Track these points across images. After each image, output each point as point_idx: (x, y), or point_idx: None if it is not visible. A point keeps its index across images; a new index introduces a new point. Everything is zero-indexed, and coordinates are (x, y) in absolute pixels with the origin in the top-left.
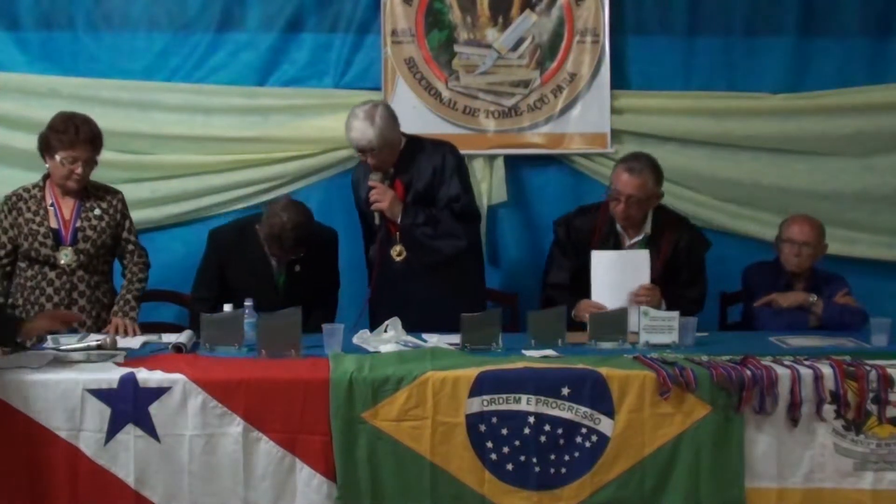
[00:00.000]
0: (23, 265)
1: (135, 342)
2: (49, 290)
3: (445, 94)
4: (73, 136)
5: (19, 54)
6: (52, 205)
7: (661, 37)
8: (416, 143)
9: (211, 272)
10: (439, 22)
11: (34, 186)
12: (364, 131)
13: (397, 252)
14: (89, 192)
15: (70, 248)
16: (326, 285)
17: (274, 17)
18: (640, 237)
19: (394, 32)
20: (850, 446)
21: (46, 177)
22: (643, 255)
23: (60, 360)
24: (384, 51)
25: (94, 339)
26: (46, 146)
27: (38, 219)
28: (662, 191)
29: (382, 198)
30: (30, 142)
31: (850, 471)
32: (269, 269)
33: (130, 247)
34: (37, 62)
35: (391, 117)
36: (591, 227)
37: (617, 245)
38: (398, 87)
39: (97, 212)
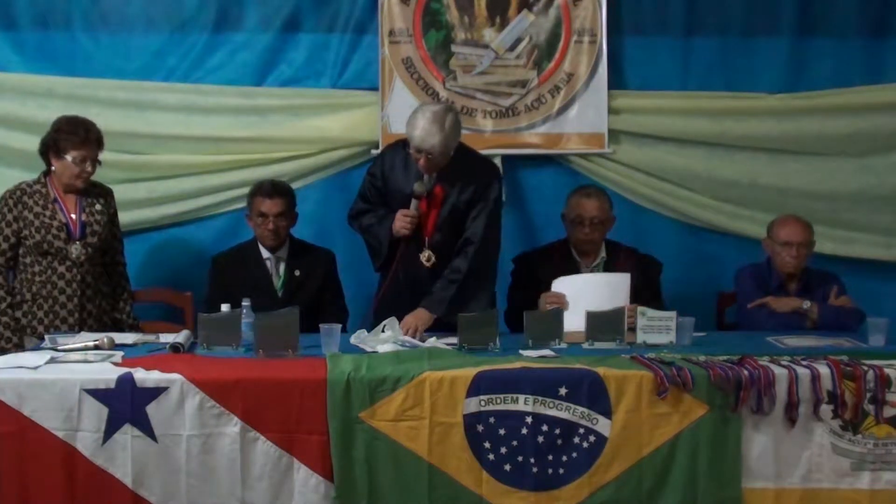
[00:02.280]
0: (28, 260)
1: (128, 339)
2: (61, 284)
3: (443, 94)
4: (83, 135)
5: (16, 54)
6: (55, 200)
7: (658, 37)
8: (464, 152)
9: (217, 296)
10: (437, 22)
11: (35, 182)
12: (431, 134)
13: (426, 257)
14: (87, 188)
15: (79, 243)
16: (330, 295)
17: (271, 17)
18: (596, 262)
19: (391, 32)
20: (848, 446)
21: (46, 173)
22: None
23: (57, 360)
24: (381, 51)
25: (91, 339)
26: (55, 148)
27: (48, 213)
28: (614, 215)
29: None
30: (27, 142)
31: (847, 471)
32: (267, 275)
33: (118, 245)
34: (33, 62)
35: (458, 126)
36: (551, 263)
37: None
38: (395, 87)
39: (98, 207)
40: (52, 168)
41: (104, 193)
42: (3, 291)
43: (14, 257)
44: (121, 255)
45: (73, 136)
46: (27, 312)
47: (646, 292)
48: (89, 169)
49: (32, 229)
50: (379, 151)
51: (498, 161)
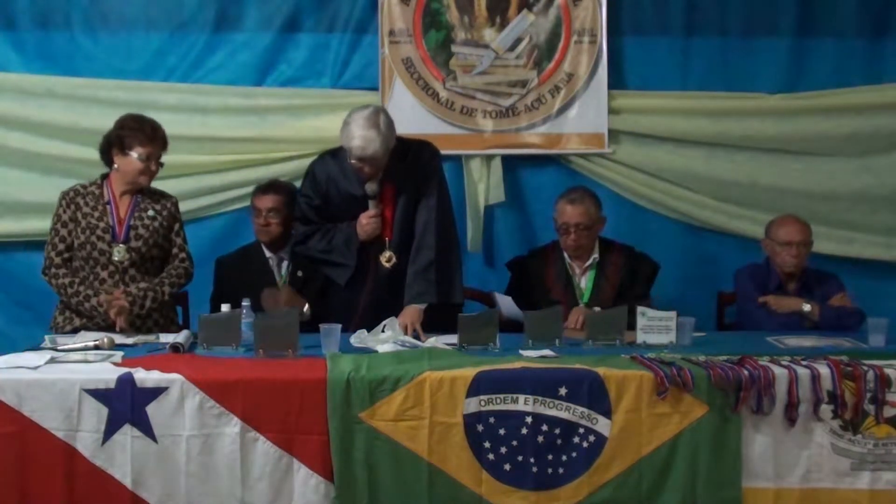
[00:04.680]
0: (75, 265)
1: (128, 339)
2: (103, 289)
3: (443, 94)
4: (150, 133)
5: (16, 54)
6: (108, 202)
7: (658, 37)
8: (399, 143)
9: (222, 299)
10: (437, 22)
11: (91, 184)
12: (370, 140)
13: (387, 258)
14: (144, 193)
15: (123, 246)
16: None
17: (271, 16)
18: (588, 263)
19: (391, 32)
20: (848, 446)
21: (105, 176)
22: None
23: (57, 360)
24: (382, 51)
25: (91, 339)
26: (119, 144)
27: (97, 214)
28: (604, 215)
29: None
30: (26, 142)
31: (847, 471)
32: (271, 276)
33: (182, 254)
34: (33, 62)
35: (392, 124)
36: (543, 265)
37: (569, 277)
38: (395, 88)
39: (150, 213)
40: (115, 166)
41: (163, 200)
42: (69, 279)
43: (70, 259)
44: (181, 262)
45: (140, 132)
46: (67, 319)
47: (632, 291)
48: (153, 168)
49: (79, 230)
50: (306, 170)
51: (498, 161)
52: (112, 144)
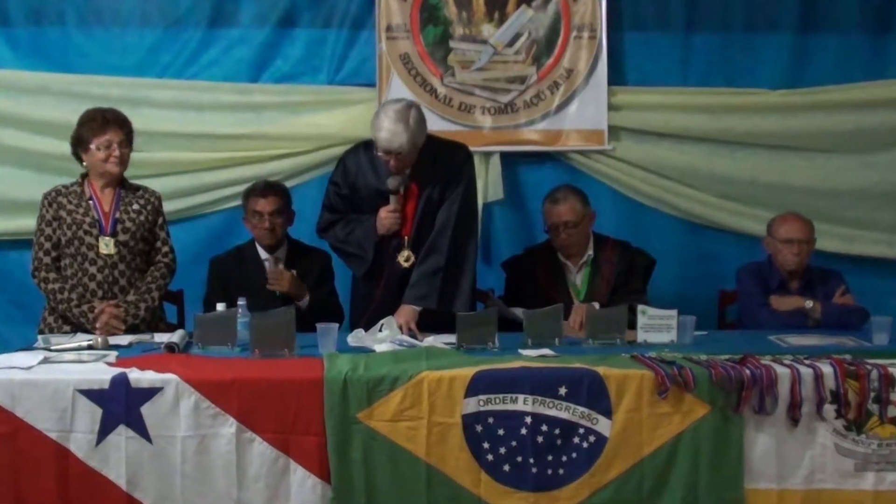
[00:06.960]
0: (63, 263)
1: (123, 339)
2: (92, 285)
3: (441, 90)
4: (101, 121)
5: (9, 50)
6: (90, 198)
7: (658, 32)
8: (431, 142)
9: (216, 298)
10: (434, 17)
11: (73, 184)
12: (396, 134)
13: (405, 258)
14: (127, 187)
15: (111, 239)
16: (326, 296)
17: (267, 12)
18: (583, 260)
19: (388, 28)
20: (851, 446)
21: (84, 176)
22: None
23: (51, 360)
24: (379, 46)
25: (85, 339)
26: (80, 142)
27: (81, 210)
28: (594, 210)
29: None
30: (20, 139)
31: (850, 471)
32: (266, 277)
33: (165, 248)
34: (27, 58)
35: (423, 121)
36: (538, 264)
37: (564, 275)
38: (393, 84)
39: (135, 206)
40: (85, 164)
41: (146, 194)
42: (59, 284)
43: (58, 258)
44: (164, 256)
45: (92, 122)
46: (57, 323)
47: (628, 286)
48: (117, 153)
49: (65, 226)
50: (339, 158)
51: (496, 158)
52: (77, 145)
